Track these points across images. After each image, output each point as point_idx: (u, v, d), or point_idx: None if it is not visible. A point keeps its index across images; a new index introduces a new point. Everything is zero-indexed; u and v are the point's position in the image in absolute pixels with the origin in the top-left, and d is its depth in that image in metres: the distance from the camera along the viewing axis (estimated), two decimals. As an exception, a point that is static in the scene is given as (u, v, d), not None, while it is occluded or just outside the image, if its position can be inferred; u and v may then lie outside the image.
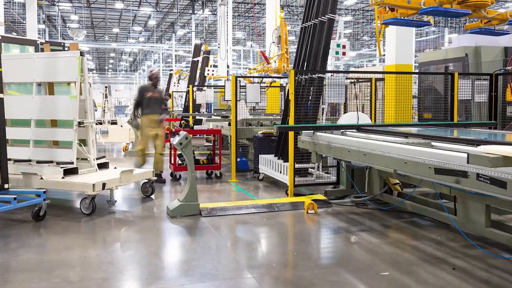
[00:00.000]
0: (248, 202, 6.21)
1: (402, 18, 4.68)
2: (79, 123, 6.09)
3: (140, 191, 6.73)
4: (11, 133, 6.14)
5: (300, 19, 29.18)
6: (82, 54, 6.07)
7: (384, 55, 8.51)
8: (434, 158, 3.79)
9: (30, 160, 6.17)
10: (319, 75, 6.84)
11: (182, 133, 5.69)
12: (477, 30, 5.08)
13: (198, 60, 14.26)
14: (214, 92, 14.90)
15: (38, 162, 6.13)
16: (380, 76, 8.90)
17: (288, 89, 7.16)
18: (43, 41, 9.22)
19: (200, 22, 35.89)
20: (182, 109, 15.02)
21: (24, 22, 25.65)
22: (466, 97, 7.62)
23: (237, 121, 7.95)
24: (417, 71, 11.40)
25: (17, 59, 6.51)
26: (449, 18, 28.84)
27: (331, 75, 6.90)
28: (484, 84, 7.31)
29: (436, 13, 4.41)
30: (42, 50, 8.22)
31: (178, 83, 17.90)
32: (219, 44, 16.29)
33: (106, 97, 18.09)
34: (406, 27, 7.84)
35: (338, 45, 6.69)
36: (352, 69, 32.53)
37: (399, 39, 8.24)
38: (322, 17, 6.99)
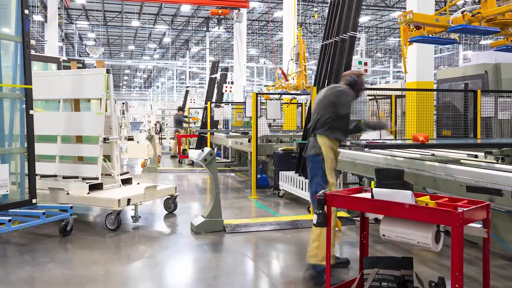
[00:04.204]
0: (271, 218, 6.20)
1: (429, 36, 4.70)
2: (104, 139, 6.16)
3: (162, 207, 6.76)
4: (37, 148, 6.20)
5: (315, 36, 29.40)
6: (108, 71, 6.18)
7: (403, 72, 8.51)
8: (463, 176, 3.77)
9: (56, 176, 6.25)
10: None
11: (206, 149, 5.72)
12: (504, 48, 5.08)
13: (215, 77, 14.40)
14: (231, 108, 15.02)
15: (63, 177, 6.20)
16: (398, 93, 8.90)
17: (308, 106, 7.19)
18: (65, 58, 9.41)
19: (214, 39, 36.29)
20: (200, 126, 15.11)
21: (42, 39, 26.20)
22: (487, 114, 7.58)
23: (257, 138, 7.98)
24: (437, 88, 11.37)
25: (45, 76, 6.65)
26: (463, 35, 28.83)
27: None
28: (507, 102, 7.27)
29: (465, 31, 4.43)
30: (66, 67, 8.39)
31: (194, 100, 18.08)
32: (241, 63, 16.72)
33: (123, 113, 18.30)
34: (426, 44, 7.85)
35: (360, 62, 6.71)
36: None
37: (420, 57, 8.25)
38: (344, 35, 7.04)
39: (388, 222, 2.87)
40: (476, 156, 4.91)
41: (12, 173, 5.19)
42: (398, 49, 37.72)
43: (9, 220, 4.69)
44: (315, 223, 3.03)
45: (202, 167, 11.72)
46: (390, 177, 2.95)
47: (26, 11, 5.19)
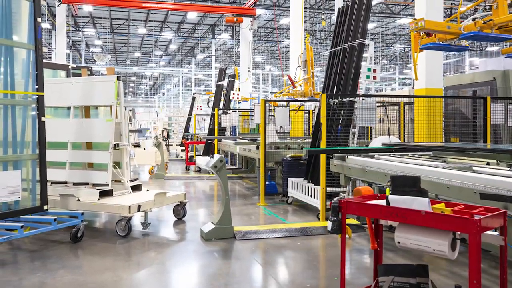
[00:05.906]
0: (281, 225, 6.19)
1: (440, 43, 4.70)
2: (114, 145, 6.18)
3: (171, 213, 6.77)
4: (48, 155, 6.24)
5: (321, 43, 29.45)
6: (118, 78, 6.22)
7: (410, 79, 8.51)
8: (476, 183, 3.74)
9: (66, 182, 6.27)
10: (350, 98, 6.87)
11: (216, 156, 5.73)
12: (514, 55, 5.07)
13: (222, 84, 14.44)
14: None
15: (74, 183, 6.22)
16: (406, 99, 8.88)
17: (317, 113, 7.19)
18: (74, 65, 9.48)
19: (220, 46, 36.45)
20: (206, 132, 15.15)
21: (49, 47, 26.42)
22: (496, 121, 7.54)
23: (266, 144, 7.99)
24: (446, 95, 11.34)
25: (55, 84, 6.70)
26: (469, 42, 28.80)
27: (362, 99, 6.92)
28: (517, 108, 7.25)
29: (476, 38, 4.43)
30: (74, 74, 8.44)
31: (201, 107, 18.13)
32: (248, 68, 16.81)
33: (130, 120, 18.36)
34: (435, 51, 7.83)
35: (369, 69, 6.72)
36: (370, 92, 32.48)
37: (429, 63, 8.24)
38: (352, 42, 7.06)
39: (404, 229, 2.85)
40: (488, 163, 4.88)
41: (23, 179, 5.23)
42: (404, 55, 37.72)
43: (21, 226, 4.71)
44: (329, 229, 3.04)
45: (209, 173, 11.75)
46: (406, 184, 2.94)
47: (39, 19, 5.25)
